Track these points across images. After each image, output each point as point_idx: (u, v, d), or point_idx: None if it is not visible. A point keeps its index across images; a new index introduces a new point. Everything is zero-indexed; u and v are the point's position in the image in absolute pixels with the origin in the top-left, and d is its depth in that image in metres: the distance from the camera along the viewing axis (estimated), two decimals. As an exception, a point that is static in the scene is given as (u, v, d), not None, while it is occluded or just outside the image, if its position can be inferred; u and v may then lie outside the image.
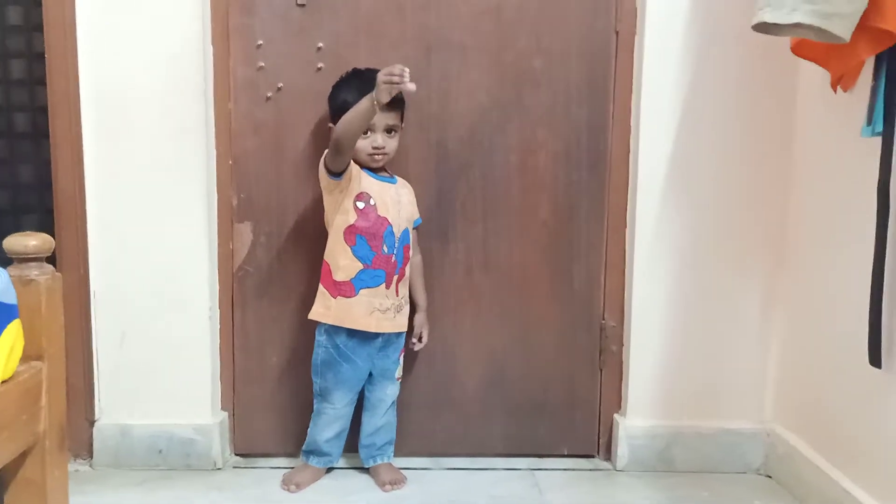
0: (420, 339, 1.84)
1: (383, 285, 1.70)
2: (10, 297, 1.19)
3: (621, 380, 1.92)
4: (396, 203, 1.73)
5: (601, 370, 1.94)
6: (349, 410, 1.81)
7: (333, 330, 1.72)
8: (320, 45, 1.83)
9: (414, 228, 1.81)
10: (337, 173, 1.65)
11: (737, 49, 1.78)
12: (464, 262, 1.91)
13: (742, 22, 1.64)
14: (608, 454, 1.95)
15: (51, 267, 1.28)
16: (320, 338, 1.75)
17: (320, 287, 1.72)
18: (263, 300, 1.90)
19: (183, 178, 1.81)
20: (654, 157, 1.82)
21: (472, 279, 1.91)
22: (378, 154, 1.70)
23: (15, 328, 1.19)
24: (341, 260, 1.69)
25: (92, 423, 1.86)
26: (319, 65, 1.82)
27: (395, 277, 1.72)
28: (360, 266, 1.68)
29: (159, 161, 1.80)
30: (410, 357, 1.88)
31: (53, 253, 1.31)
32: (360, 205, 1.68)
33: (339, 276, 1.69)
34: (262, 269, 1.89)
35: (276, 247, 1.88)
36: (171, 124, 1.79)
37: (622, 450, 1.88)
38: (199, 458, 1.86)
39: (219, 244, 1.87)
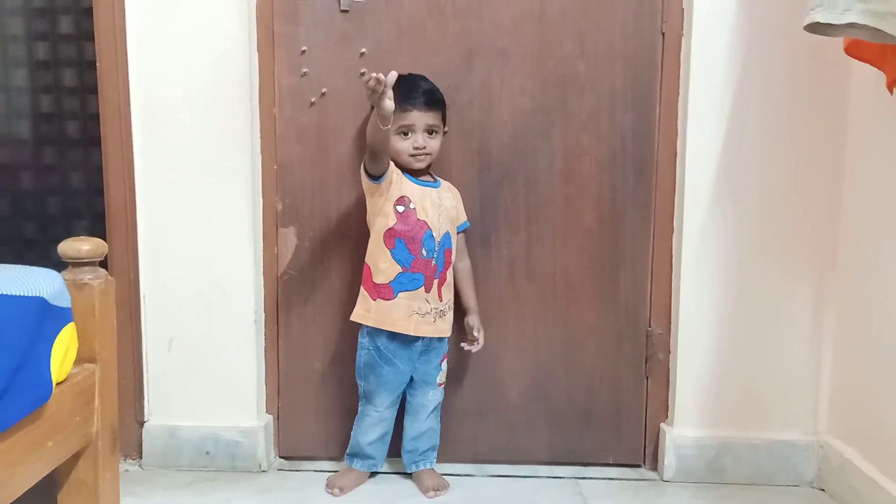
0: (475, 342, 1.80)
1: (422, 289, 1.70)
2: (65, 301, 1.22)
3: (668, 388, 1.89)
4: (437, 207, 1.72)
5: (647, 378, 1.91)
6: (391, 413, 1.81)
7: (375, 332, 1.73)
8: (363, 50, 1.84)
9: (461, 232, 1.81)
10: (376, 176, 1.66)
11: (786, 49, 1.74)
12: (507, 270, 1.90)
13: (791, 21, 1.62)
14: (654, 464, 1.91)
15: (104, 271, 1.31)
16: (362, 339, 1.76)
17: (361, 289, 1.73)
18: (308, 304, 1.91)
19: (229, 183, 1.83)
20: (702, 162, 1.79)
21: (516, 286, 1.90)
22: (420, 154, 1.70)
23: (69, 331, 1.21)
24: (381, 263, 1.69)
25: (141, 424, 1.90)
26: (362, 70, 1.83)
27: (436, 281, 1.72)
28: (398, 269, 1.69)
29: (206, 167, 1.83)
30: (454, 363, 1.87)
31: (105, 258, 1.34)
32: (400, 208, 1.69)
33: (379, 278, 1.70)
34: (307, 274, 1.90)
35: (319, 251, 1.90)
36: (217, 130, 1.82)
37: (669, 459, 1.85)
38: (244, 461, 1.88)
39: (264, 249, 1.89)
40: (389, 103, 1.52)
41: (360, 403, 1.81)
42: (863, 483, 1.64)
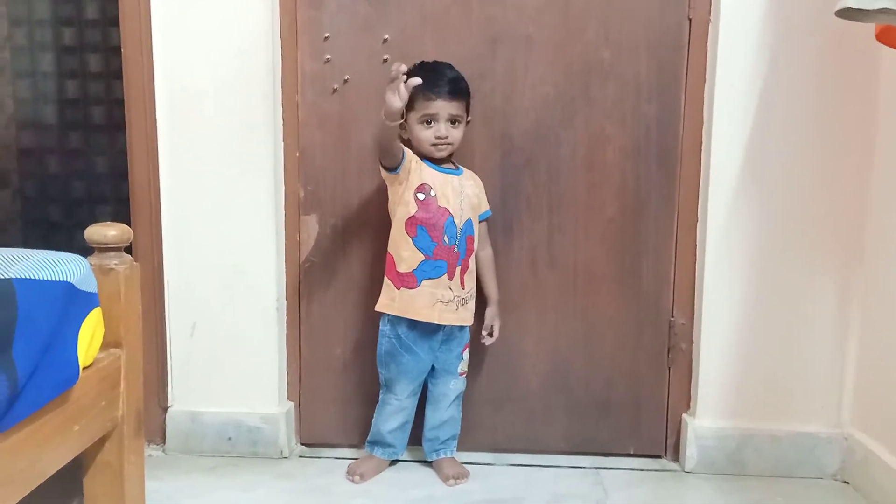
0: (491, 334, 1.82)
1: (445, 276, 1.70)
2: (91, 286, 1.23)
3: (690, 379, 1.88)
4: (459, 194, 1.72)
5: (669, 369, 1.90)
6: (412, 402, 1.81)
7: (395, 320, 1.73)
8: (386, 37, 1.83)
9: (482, 221, 1.80)
10: (392, 167, 1.66)
11: (815, 37, 1.71)
12: (528, 258, 1.89)
13: (821, 8, 1.59)
14: (676, 455, 1.90)
15: (129, 256, 1.32)
16: (384, 328, 1.76)
17: (385, 279, 1.73)
18: (329, 291, 1.91)
19: (251, 169, 1.84)
20: (727, 151, 1.76)
21: (537, 275, 1.89)
22: (441, 143, 1.69)
23: (95, 316, 1.22)
24: (403, 251, 1.69)
25: (165, 409, 1.92)
26: (385, 57, 1.83)
27: (459, 269, 1.72)
28: (421, 257, 1.68)
29: (229, 153, 1.83)
30: (474, 352, 1.87)
31: (130, 243, 1.35)
32: (421, 196, 1.68)
33: (402, 267, 1.70)
34: (328, 261, 1.91)
35: (341, 238, 1.90)
36: (240, 116, 1.82)
37: (691, 451, 1.84)
38: (266, 447, 1.90)
39: (286, 236, 1.89)
40: (397, 101, 1.52)
41: (381, 392, 1.82)
42: (887, 476, 1.62)
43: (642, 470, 1.87)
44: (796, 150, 1.75)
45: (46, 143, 2.58)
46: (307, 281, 1.92)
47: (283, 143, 1.86)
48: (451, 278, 1.71)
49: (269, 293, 1.87)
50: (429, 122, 1.69)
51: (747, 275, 1.80)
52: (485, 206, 1.81)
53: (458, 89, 1.70)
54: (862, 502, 1.70)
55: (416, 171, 1.68)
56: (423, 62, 1.74)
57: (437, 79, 1.66)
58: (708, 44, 1.78)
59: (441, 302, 1.70)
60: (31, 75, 2.55)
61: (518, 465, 1.89)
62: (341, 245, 1.90)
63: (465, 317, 1.76)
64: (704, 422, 1.84)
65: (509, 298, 1.88)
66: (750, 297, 1.80)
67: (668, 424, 1.91)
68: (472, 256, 1.76)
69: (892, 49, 1.53)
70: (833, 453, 1.81)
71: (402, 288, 1.70)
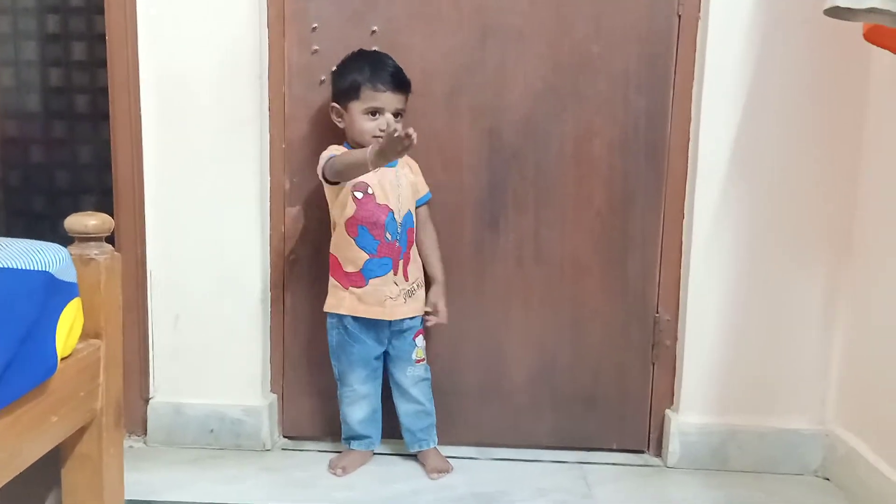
0: (435, 313, 1.78)
1: (391, 272, 1.70)
2: (71, 276, 1.21)
3: (674, 375, 1.88)
4: (396, 187, 1.71)
5: (654, 364, 1.90)
6: (370, 389, 1.80)
7: (342, 314, 1.74)
8: (375, 28, 1.82)
9: (423, 205, 1.79)
10: (338, 182, 1.68)
11: (804, 34, 1.71)
12: (514, 253, 1.88)
13: (811, 5, 1.59)
14: (659, 450, 1.91)
15: (110, 246, 1.30)
16: (331, 320, 1.77)
17: (331, 279, 1.75)
18: (314, 284, 1.90)
19: (237, 161, 1.82)
20: (715, 146, 1.76)
21: (523, 270, 1.89)
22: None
23: (74, 306, 1.21)
24: (348, 252, 1.70)
25: (146, 400, 1.90)
26: (374, 48, 1.81)
27: (402, 262, 1.71)
28: (366, 256, 1.69)
29: (214, 144, 1.82)
30: (459, 345, 1.87)
31: (112, 233, 1.33)
32: (359, 195, 1.68)
33: (349, 267, 1.71)
34: (313, 254, 1.89)
35: (327, 231, 1.88)
36: (226, 107, 1.80)
37: (674, 446, 1.84)
38: (248, 439, 1.88)
39: (271, 227, 1.88)
40: (395, 157, 1.54)
41: (338, 387, 1.82)
42: (868, 473, 1.63)
43: (625, 465, 1.88)
44: (784, 146, 1.75)
45: (30, 132, 2.55)
46: (292, 273, 1.91)
47: (269, 135, 1.85)
48: (396, 273, 1.70)
49: (253, 285, 1.86)
50: (374, 114, 1.67)
51: (733, 271, 1.80)
52: (423, 191, 1.79)
53: (404, 82, 1.70)
54: (843, 499, 1.71)
55: None
56: (361, 51, 1.74)
57: (384, 70, 1.66)
58: (697, 40, 1.77)
59: (390, 298, 1.71)
60: (15, 64, 2.52)
61: (502, 459, 1.89)
62: (327, 238, 1.88)
63: (415, 307, 1.76)
64: (688, 417, 1.84)
65: (495, 293, 1.88)
66: (735, 293, 1.81)
67: (651, 420, 1.92)
68: (414, 247, 1.76)
69: (881, 48, 1.53)
70: (815, 450, 1.82)
71: (350, 287, 1.71)
